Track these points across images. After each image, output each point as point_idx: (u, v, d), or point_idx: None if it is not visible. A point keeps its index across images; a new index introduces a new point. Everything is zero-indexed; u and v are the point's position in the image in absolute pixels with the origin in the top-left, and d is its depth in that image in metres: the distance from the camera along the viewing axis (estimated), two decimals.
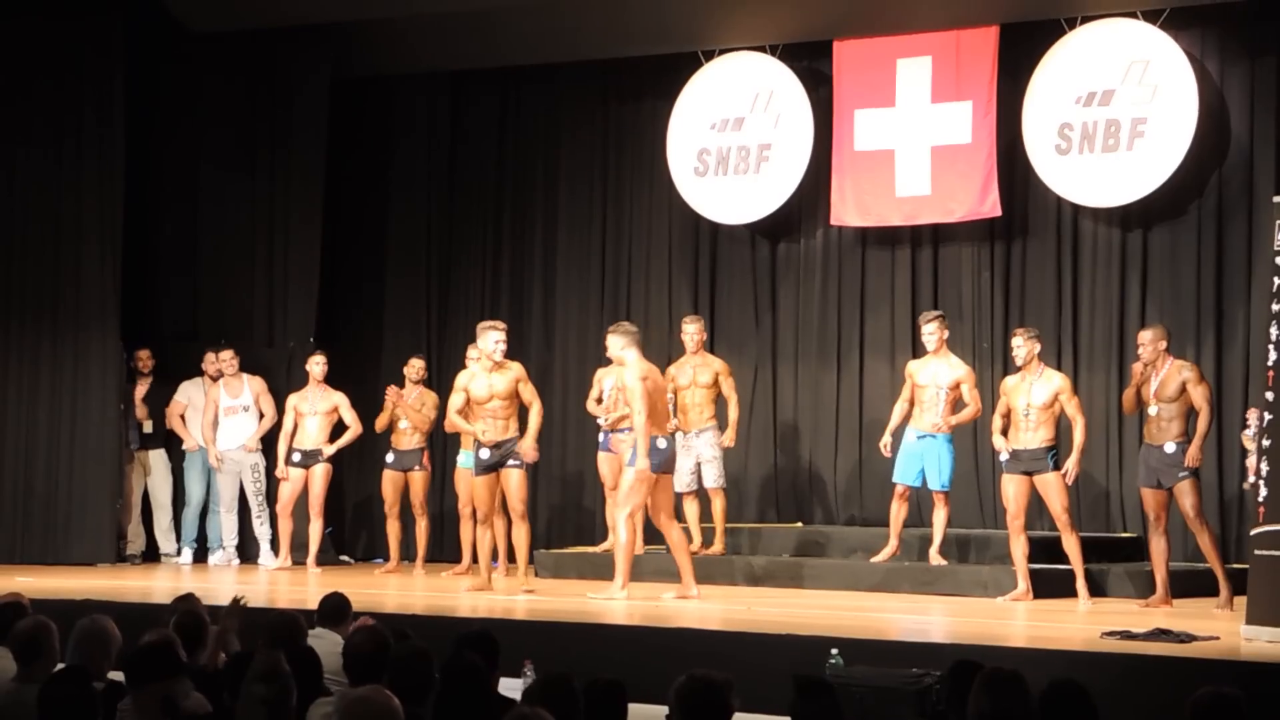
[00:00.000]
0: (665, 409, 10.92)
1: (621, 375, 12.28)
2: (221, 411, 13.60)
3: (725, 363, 12.33)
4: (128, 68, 13.74)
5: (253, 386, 13.64)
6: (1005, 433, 10.76)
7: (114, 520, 13.55)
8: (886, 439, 11.68)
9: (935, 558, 11.34)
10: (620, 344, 10.72)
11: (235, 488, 13.63)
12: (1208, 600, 10.22)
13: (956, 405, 11.43)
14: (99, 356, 13.55)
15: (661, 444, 10.54)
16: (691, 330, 12.24)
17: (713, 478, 12.05)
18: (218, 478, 13.65)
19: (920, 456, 11.41)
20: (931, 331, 11.50)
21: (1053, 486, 10.54)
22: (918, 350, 12.58)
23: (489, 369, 11.05)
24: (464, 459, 12.70)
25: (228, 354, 13.61)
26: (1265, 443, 8.62)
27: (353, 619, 7.20)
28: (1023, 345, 10.77)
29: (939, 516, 11.40)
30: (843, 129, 12.93)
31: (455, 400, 11.13)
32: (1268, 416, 8.61)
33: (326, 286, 14.28)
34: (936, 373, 11.43)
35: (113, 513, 13.53)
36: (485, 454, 11.00)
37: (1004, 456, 10.70)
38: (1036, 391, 10.66)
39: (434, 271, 14.64)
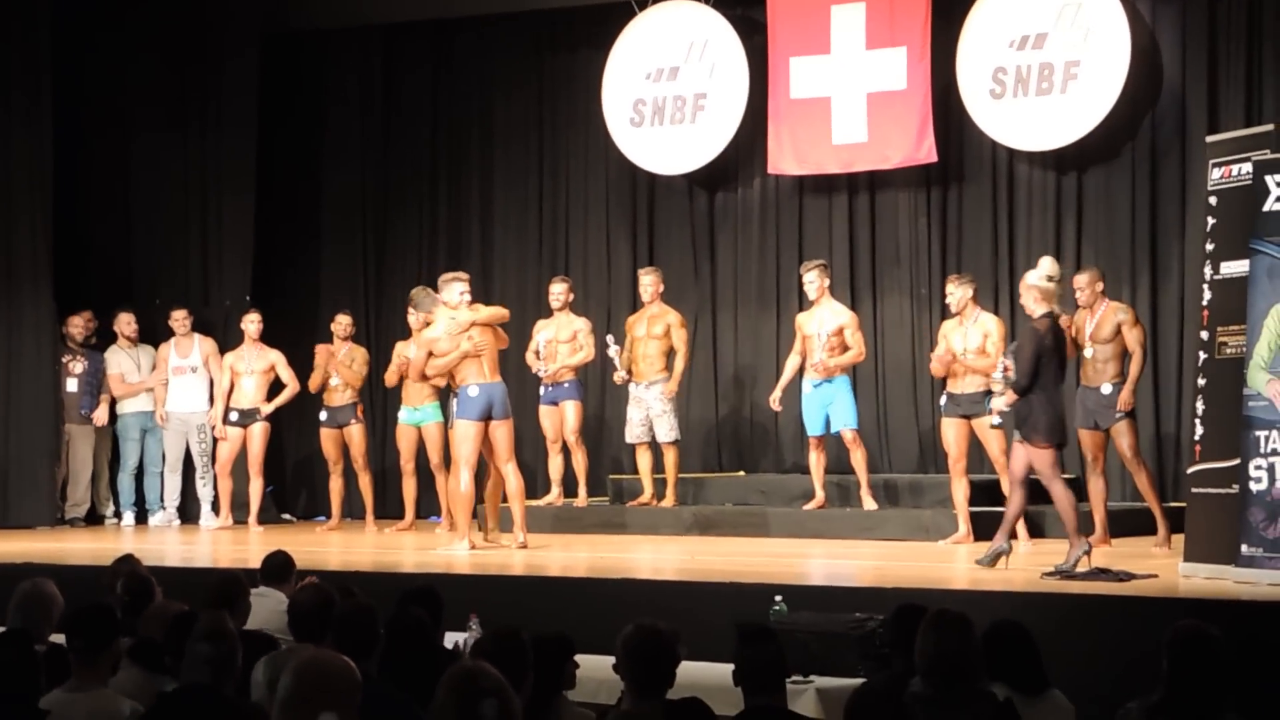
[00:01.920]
0: (486, 360, 10.59)
1: (560, 326, 12.32)
2: (170, 371, 13.51)
3: (679, 314, 12.33)
4: (55, 30, 13.56)
5: (203, 348, 13.54)
6: (945, 378, 10.85)
7: (53, 483, 13.45)
8: (776, 394, 11.80)
9: (868, 501, 11.41)
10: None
11: (181, 448, 13.55)
12: (1146, 539, 10.32)
13: (843, 350, 11.51)
14: (32, 321, 13.43)
15: (472, 392, 10.42)
16: (647, 282, 12.25)
17: (665, 431, 12.06)
18: (165, 437, 13.55)
19: (821, 403, 11.50)
20: (812, 280, 11.60)
21: (990, 431, 10.60)
22: (856, 297, 12.65)
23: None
24: (405, 415, 12.68)
25: (181, 313, 13.53)
26: (1200, 381, 8.70)
27: (297, 577, 7.19)
28: (955, 291, 10.86)
29: (856, 459, 11.47)
30: (778, 77, 12.91)
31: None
32: (1202, 355, 8.69)
33: (262, 245, 14.19)
34: (822, 320, 11.54)
35: (51, 475, 13.43)
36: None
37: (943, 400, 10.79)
38: (972, 336, 10.74)
39: (370, 228, 14.56)
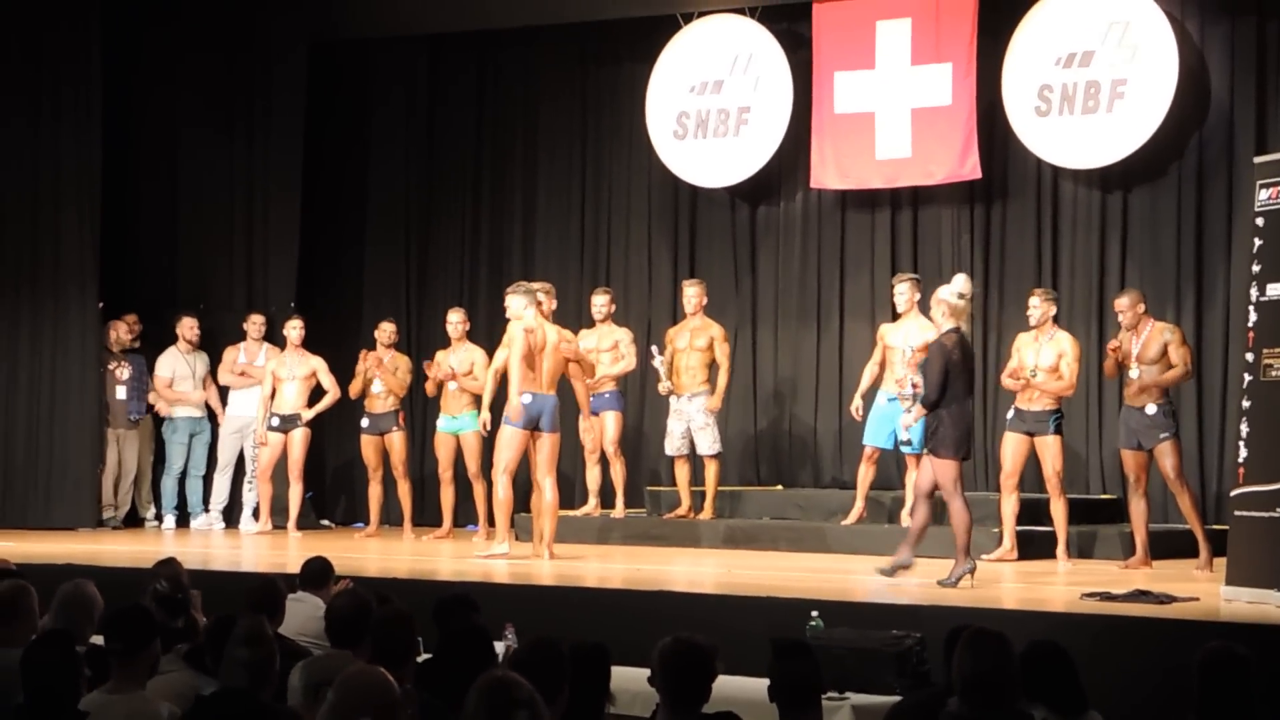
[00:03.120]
0: (548, 370, 10.62)
1: (602, 337, 12.33)
2: (235, 375, 13.59)
3: (723, 328, 12.32)
4: (105, 33, 13.65)
5: (268, 355, 13.59)
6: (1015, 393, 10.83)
7: (95, 485, 13.52)
8: (857, 402, 11.73)
9: (906, 519, 11.36)
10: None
11: (236, 450, 13.63)
12: (1188, 561, 10.26)
13: None
14: (78, 323, 13.51)
15: (525, 400, 10.41)
16: (691, 293, 12.23)
17: (706, 444, 12.05)
18: (220, 439, 13.61)
19: (891, 419, 11.41)
20: (903, 292, 11.53)
21: (1051, 450, 10.57)
22: (898, 313, 12.60)
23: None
24: (443, 423, 12.71)
25: (259, 318, 13.62)
26: (1245, 404, 8.65)
27: (334, 582, 7.21)
28: (1039, 305, 10.80)
29: (912, 478, 11.41)
30: (822, 91, 12.90)
31: (500, 357, 10.79)
32: (1247, 377, 8.64)
33: (305, 252, 14.25)
34: (907, 334, 11.44)
35: (94, 477, 13.51)
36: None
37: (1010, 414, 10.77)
38: (1045, 353, 10.69)
39: (413, 236, 14.61)
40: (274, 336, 13.73)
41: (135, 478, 13.78)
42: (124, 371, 13.58)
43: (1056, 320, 11.07)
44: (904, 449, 11.33)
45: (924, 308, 11.66)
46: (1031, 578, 9.95)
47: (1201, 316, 11.96)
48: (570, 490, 13.36)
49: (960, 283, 9.47)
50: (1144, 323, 10.38)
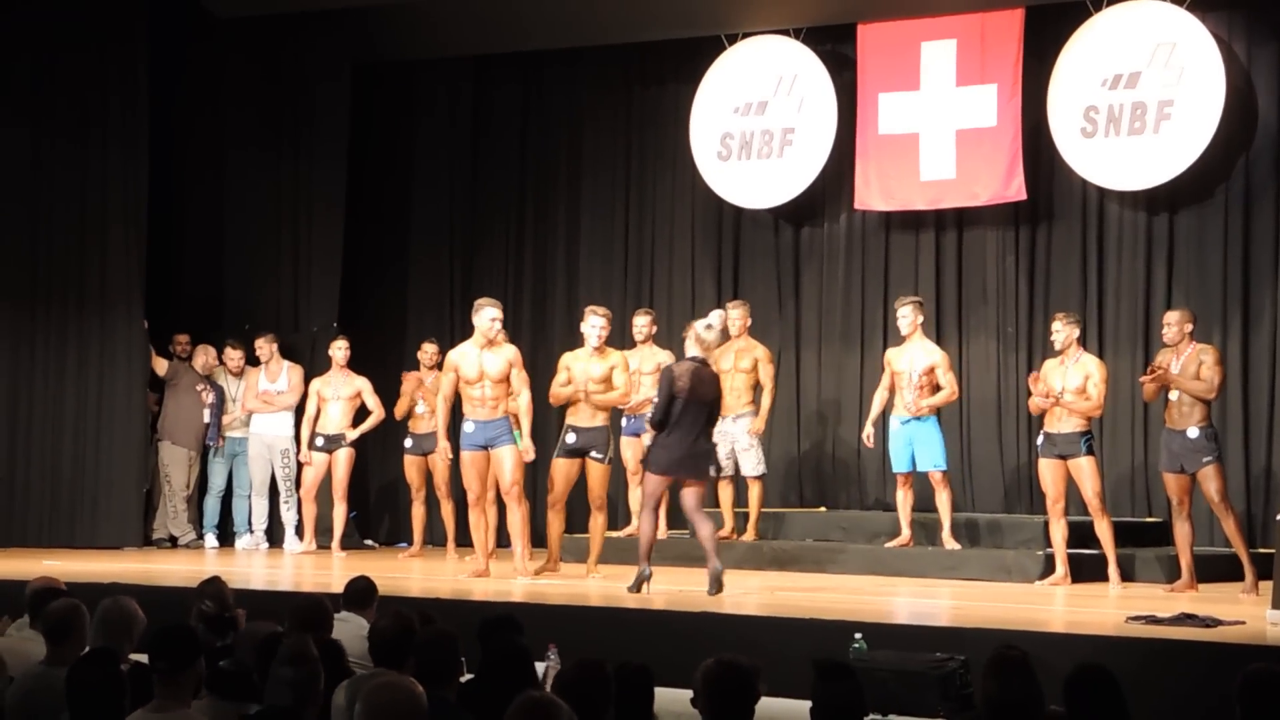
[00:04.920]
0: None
1: (644, 358, 12.33)
2: (258, 396, 13.64)
3: (767, 349, 12.31)
4: (152, 53, 13.77)
5: (291, 375, 13.65)
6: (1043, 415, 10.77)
7: (140, 503, 13.59)
8: (868, 430, 11.74)
9: (949, 541, 11.34)
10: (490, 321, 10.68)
11: (267, 473, 13.67)
12: (1233, 585, 10.19)
13: (934, 390, 11.42)
14: (124, 341, 13.59)
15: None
16: (735, 315, 12.20)
17: (751, 466, 12.04)
18: (249, 462, 13.67)
19: (908, 441, 11.44)
20: (906, 315, 11.52)
21: (1086, 471, 10.53)
22: (942, 335, 12.58)
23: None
24: None
25: (266, 339, 13.67)
26: None
27: (377, 603, 7.22)
28: (1062, 330, 10.76)
29: (941, 499, 11.39)
30: (867, 112, 12.90)
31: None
32: None
33: (349, 271, 14.31)
34: (913, 357, 11.44)
35: (139, 496, 13.58)
36: (471, 428, 10.70)
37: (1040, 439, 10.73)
38: (1072, 376, 10.64)
39: (457, 256, 14.65)
40: (298, 356, 13.81)
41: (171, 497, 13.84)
42: (209, 396, 13.64)
43: (1083, 344, 11.04)
44: (927, 468, 11.32)
45: (962, 329, 11.70)
46: (1079, 600, 9.90)
47: (1248, 339, 11.89)
48: (613, 510, 13.36)
49: (713, 316, 9.97)
50: (1186, 343, 10.31)
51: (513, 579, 10.61)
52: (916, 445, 11.40)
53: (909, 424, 11.44)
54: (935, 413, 11.53)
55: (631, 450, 12.22)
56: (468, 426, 10.69)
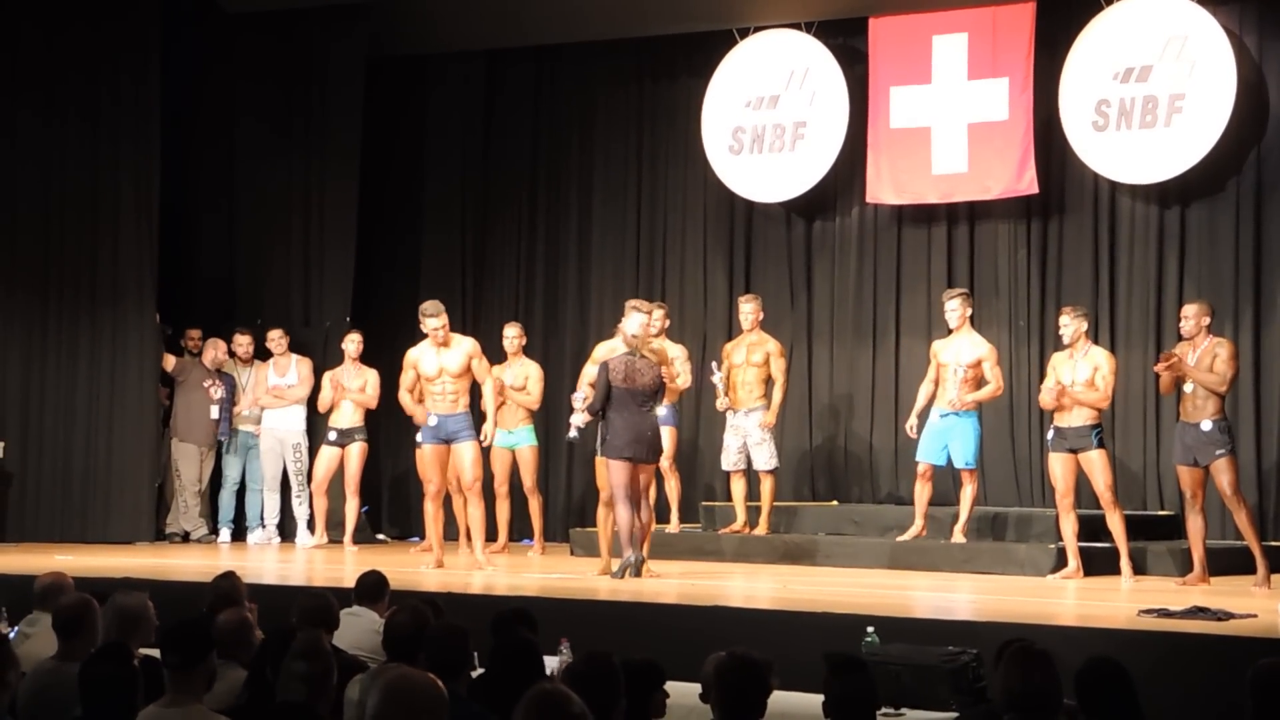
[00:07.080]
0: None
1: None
2: (268, 390, 13.66)
3: (779, 343, 12.29)
4: (164, 47, 13.78)
5: (300, 369, 13.67)
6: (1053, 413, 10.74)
7: (152, 498, 13.61)
8: (913, 421, 11.62)
9: (958, 535, 11.31)
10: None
11: (278, 467, 13.68)
12: (1245, 578, 10.18)
13: (979, 384, 11.37)
14: (136, 335, 13.60)
15: (433, 420, 11.08)
16: (748, 309, 12.19)
17: (763, 459, 12.02)
18: (261, 456, 13.69)
19: (944, 435, 11.36)
20: (954, 308, 11.45)
21: (1096, 465, 10.51)
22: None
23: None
24: (499, 438, 12.71)
25: (276, 333, 13.67)
26: None
27: (389, 597, 7.23)
28: (1070, 323, 10.72)
29: (965, 494, 11.36)
30: (878, 106, 12.89)
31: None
32: None
33: (362, 265, 14.31)
34: (959, 350, 11.39)
35: (151, 491, 13.60)
36: (433, 421, 11.08)
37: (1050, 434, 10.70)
38: (1081, 369, 10.62)
39: (469, 250, 14.66)
40: (310, 350, 13.81)
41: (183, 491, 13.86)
42: (217, 391, 13.64)
43: (1095, 337, 10.99)
44: (959, 465, 11.30)
45: (975, 323, 11.65)
46: (1091, 594, 9.89)
47: (1260, 332, 11.88)
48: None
49: (635, 320, 10.35)
50: (1202, 336, 10.29)
51: (480, 569, 10.96)
52: (952, 440, 11.31)
53: (948, 418, 11.33)
54: (977, 408, 11.42)
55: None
56: (430, 420, 11.07)
